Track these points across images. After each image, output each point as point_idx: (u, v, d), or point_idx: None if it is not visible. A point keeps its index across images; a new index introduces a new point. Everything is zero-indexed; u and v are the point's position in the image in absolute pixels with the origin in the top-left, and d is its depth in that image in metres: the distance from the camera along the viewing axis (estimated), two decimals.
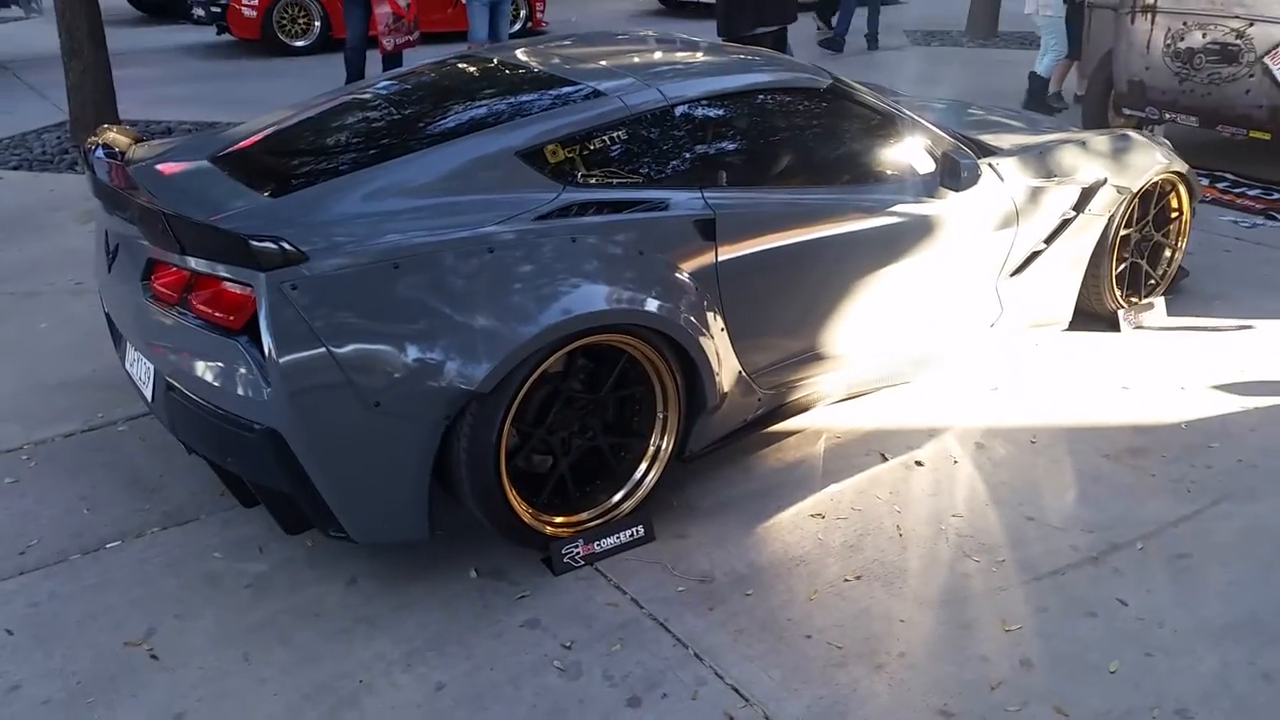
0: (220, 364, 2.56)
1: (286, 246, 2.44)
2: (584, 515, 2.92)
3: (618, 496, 2.97)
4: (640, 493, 2.99)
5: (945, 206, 3.54)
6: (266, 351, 2.43)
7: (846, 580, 2.81)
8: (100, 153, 3.00)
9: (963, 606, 2.72)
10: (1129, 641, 2.57)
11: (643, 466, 3.00)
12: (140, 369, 2.99)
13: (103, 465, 3.44)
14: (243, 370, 2.50)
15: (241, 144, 3.17)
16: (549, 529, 2.84)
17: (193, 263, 2.60)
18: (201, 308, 2.60)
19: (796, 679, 2.45)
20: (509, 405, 2.63)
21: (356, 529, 2.66)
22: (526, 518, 2.79)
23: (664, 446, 3.02)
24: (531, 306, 2.64)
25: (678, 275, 2.91)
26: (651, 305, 2.81)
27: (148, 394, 2.97)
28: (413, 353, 2.52)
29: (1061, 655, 2.52)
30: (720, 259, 3.02)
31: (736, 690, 2.41)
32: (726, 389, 3.11)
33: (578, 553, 2.87)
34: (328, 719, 2.35)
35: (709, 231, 3.00)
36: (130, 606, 2.74)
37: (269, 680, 2.47)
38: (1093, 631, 2.61)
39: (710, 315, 3.00)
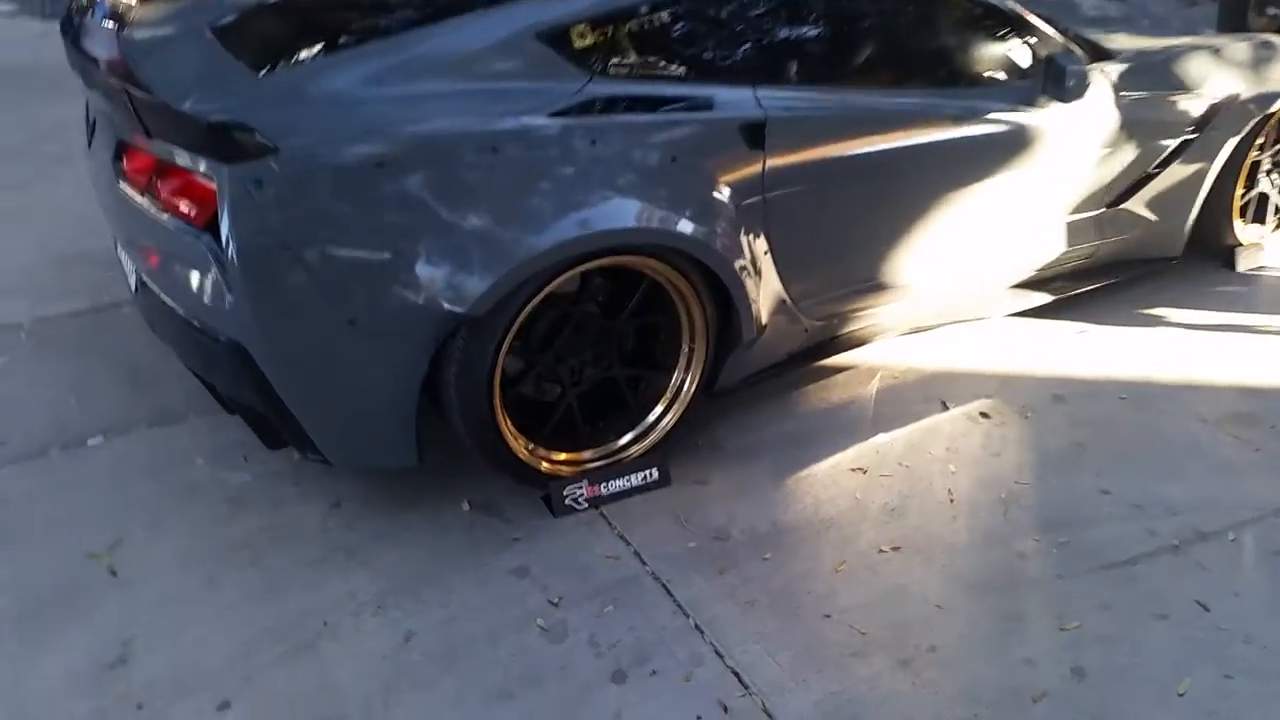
0: (186, 265, 2.27)
1: (253, 136, 2.10)
2: (587, 454, 2.62)
3: (626, 438, 2.65)
4: (653, 436, 2.66)
5: (1045, 118, 3.02)
6: (228, 256, 2.13)
7: (881, 551, 2.47)
8: (96, 13, 2.67)
9: (1012, 594, 2.36)
10: (1206, 656, 2.19)
11: (659, 408, 2.67)
12: (124, 256, 2.75)
13: (101, 351, 3.25)
14: (207, 274, 2.21)
15: (250, 11, 2.81)
16: (546, 466, 2.55)
17: (156, 148, 2.29)
18: (167, 199, 2.30)
19: (807, 667, 2.14)
20: (506, 330, 2.31)
21: (334, 454, 2.40)
22: (522, 454, 2.50)
23: (687, 384, 2.67)
24: (537, 219, 2.27)
25: (716, 189, 2.51)
26: (682, 225, 2.42)
27: (131, 283, 2.73)
28: (396, 267, 2.20)
29: (1122, 667, 2.16)
30: (769, 171, 2.60)
31: (737, 675, 2.12)
32: (766, 319, 2.73)
33: (581, 494, 2.57)
34: (283, 663, 2.14)
35: (757, 137, 2.56)
36: (100, 513, 2.55)
37: (229, 609, 2.27)
38: (1163, 640, 2.23)
39: (751, 237, 2.60)
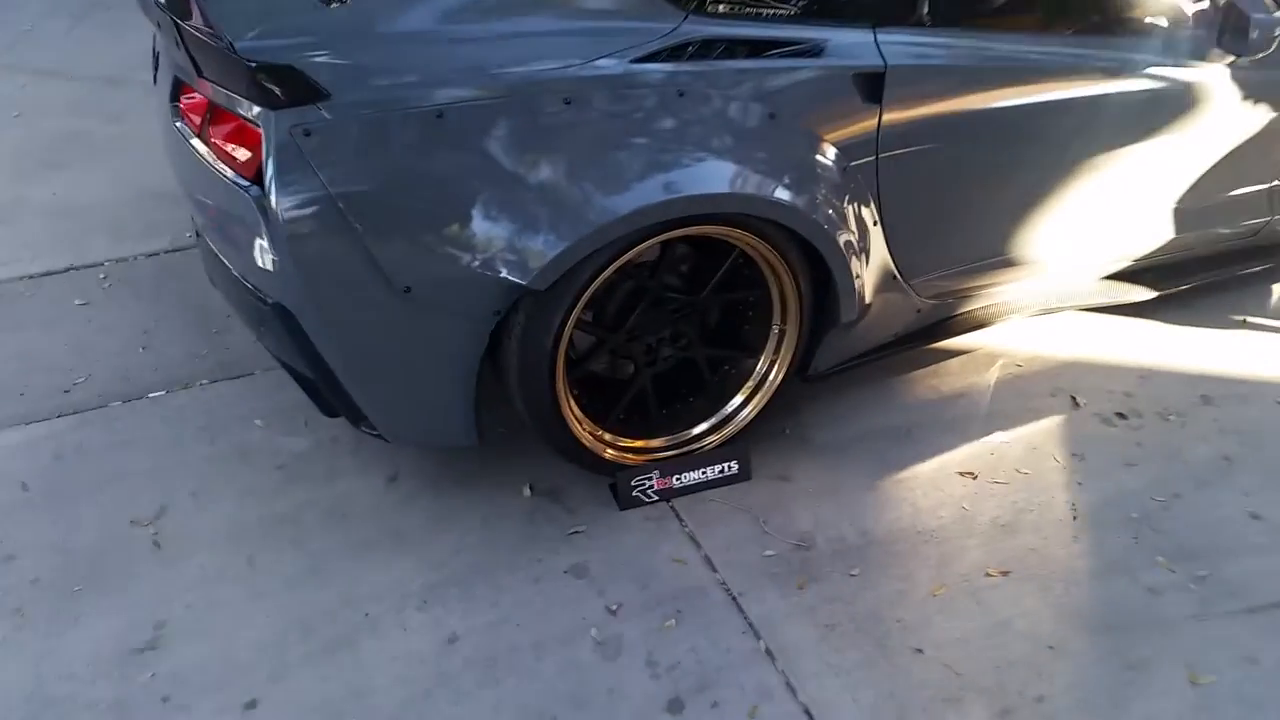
0: (235, 219, 2.08)
1: (303, 79, 1.88)
2: (657, 442, 2.37)
3: (702, 427, 2.40)
4: (730, 428, 2.40)
5: (1217, 75, 2.57)
6: (272, 212, 1.93)
7: (988, 574, 2.17)
8: None
9: (1138, 637, 2.03)
10: None
11: (739, 396, 2.40)
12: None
13: (175, 295, 3.15)
14: (254, 231, 2.01)
15: None
16: (611, 453, 2.32)
17: (209, 89, 2.10)
18: (219, 145, 2.11)
19: (891, 710, 1.88)
20: (573, 305, 2.06)
21: (388, 429, 2.22)
22: (586, 439, 2.27)
23: (774, 370, 2.39)
24: (610, 183, 2.00)
25: (820, 150, 2.19)
26: (779, 193, 2.11)
27: (192, 229, 2.59)
28: (453, 231, 1.96)
29: None
30: (885, 128, 2.25)
31: (809, 715, 1.87)
32: (871, 298, 2.42)
33: (651, 486, 2.34)
34: (317, 660, 1.99)
35: (874, 89, 2.22)
36: (150, 475, 2.45)
37: (267, 595, 2.13)
38: None
39: (858, 204, 2.27)
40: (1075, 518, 2.31)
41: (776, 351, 2.38)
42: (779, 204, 2.12)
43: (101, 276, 3.25)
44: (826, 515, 2.31)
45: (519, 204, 1.97)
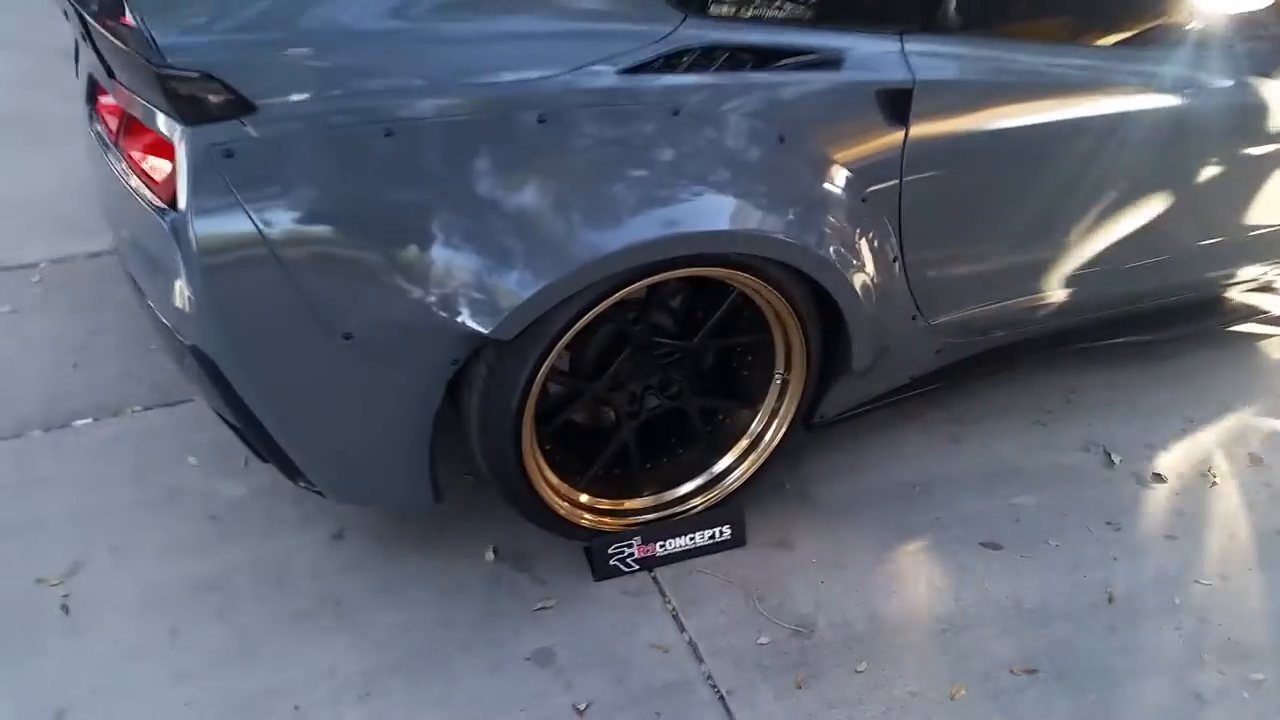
0: (149, 244, 1.78)
1: (222, 90, 1.57)
2: (638, 502, 2.09)
3: (688, 487, 2.11)
4: (718, 491, 2.12)
5: None
6: (186, 244, 1.63)
7: (1012, 673, 1.89)
8: None
9: None
10: None
11: (729, 456, 2.12)
12: None
13: (116, 303, 2.83)
14: (168, 262, 1.71)
15: None
16: (587, 520, 2.03)
17: (122, 94, 1.79)
18: (133, 157, 1.81)
19: None
20: (543, 356, 1.77)
21: (329, 489, 1.93)
22: (558, 506, 1.98)
23: (771, 428, 2.11)
24: (589, 218, 1.71)
25: (834, 176, 1.89)
26: (786, 229, 1.82)
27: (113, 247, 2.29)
28: (402, 271, 1.66)
29: None
30: (910, 151, 1.95)
31: None
32: (889, 342, 2.13)
33: (631, 554, 2.06)
34: None
35: (899, 108, 1.92)
36: (66, 522, 2.16)
37: (187, 678, 1.85)
38: None
39: (876, 239, 1.98)
40: (1111, 602, 2.04)
41: (779, 402, 2.09)
42: (786, 244, 1.82)
43: (35, 280, 2.95)
44: (830, 594, 2.03)
45: (481, 240, 1.67)
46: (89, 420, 2.44)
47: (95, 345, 2.69)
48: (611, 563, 2.04)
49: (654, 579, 2.06)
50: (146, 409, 2.48)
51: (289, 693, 1.82)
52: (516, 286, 1.67)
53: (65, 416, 2.44)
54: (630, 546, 2.05)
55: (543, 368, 1.77)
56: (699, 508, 2.10)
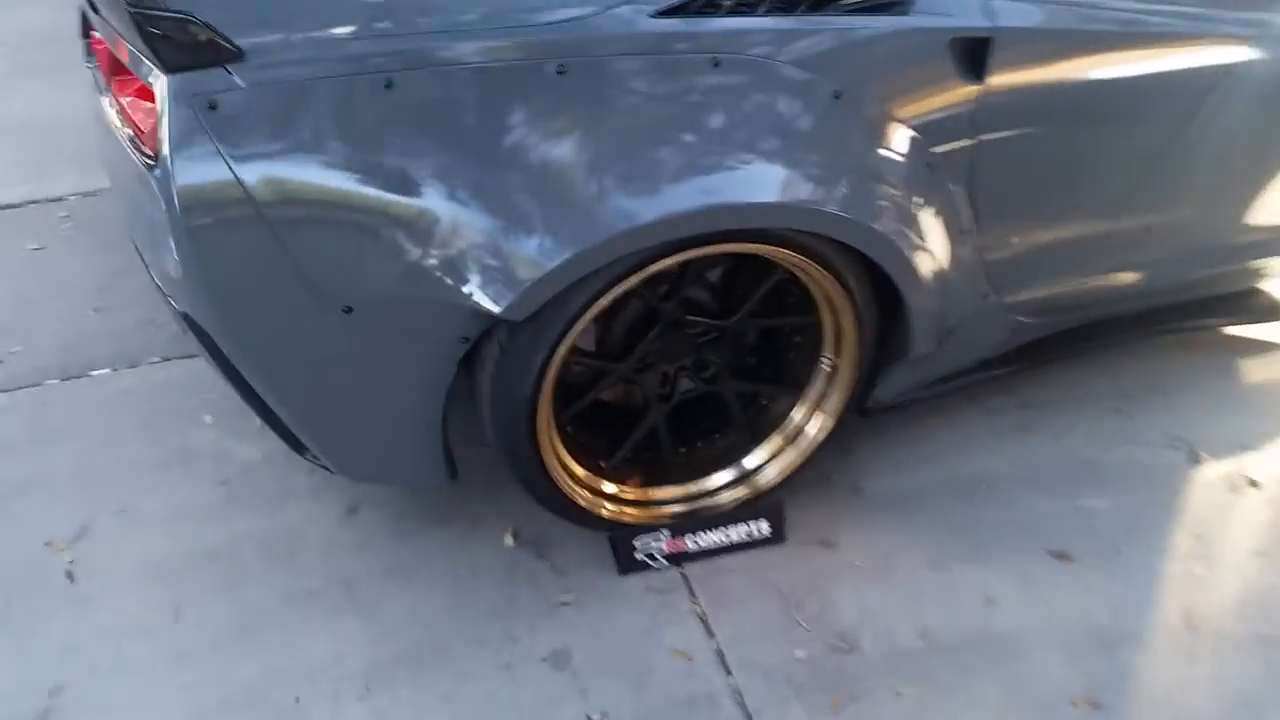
0: (139, 197, 1.64)
1: (205, 33, 1.40)
2: (665, 492, 1.92)
3: (717, 480, 1.94)
4: (747, 489, 1.94)
5: None
6: (170, 204, 1.48)
7: (1074, 705, 1.70)
8: None
9: None
10: None
11: (762, 452, 1.93)
12: None
13: None
14: (156, 219, 1.56)
15: None
16: (609, 510, 1.87)
17: (104, 32, 1.64)
18: (121, 102, 1.66)
19: None
20: (561, 337, 1.59)
21: (336, 465, 1.80)
22: (579, 497, 1.83)
23: (813, 421, 1.91)
24: (615, 185, 1.50)
25: (898, 137, 1.65)
26: (843, 201, 1.60)
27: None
28: (405, 240, 1.49)
29: None
30: (986, 107, 1.70)
31: None
32: (954, 322, 1.91)
33: (659, 548, 1.90)
34: None
35: (976, 60, 1.67)
36: (76, 481, 2.08)
37: (186, 659, 1.76)
38: None
39: (945, 208, 1.75)
40: (1189, 629, 1.83)
41: (825, 390, 1.90)
42: (841, 219, 1.60)
43: (63, 215, 2.86)
44: (876, 603, 1.85)
45: (491, 210, 1.48)
46: (106, 370, 2.35)
47: (118, 288, 2.59)
48: (638, 556, 1.89)
49: (683, 575, 1.91)
50: (165, 360, 2.38)
51: (290, 681, 1.72)
52: (529, 263, 1.48)
53: (83, 365, 2.36)
54: (658, 540, 1.89)
55: (560, 350, 1.60)
56: (731, 503, 1.93)
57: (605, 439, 1.90)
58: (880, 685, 1.72)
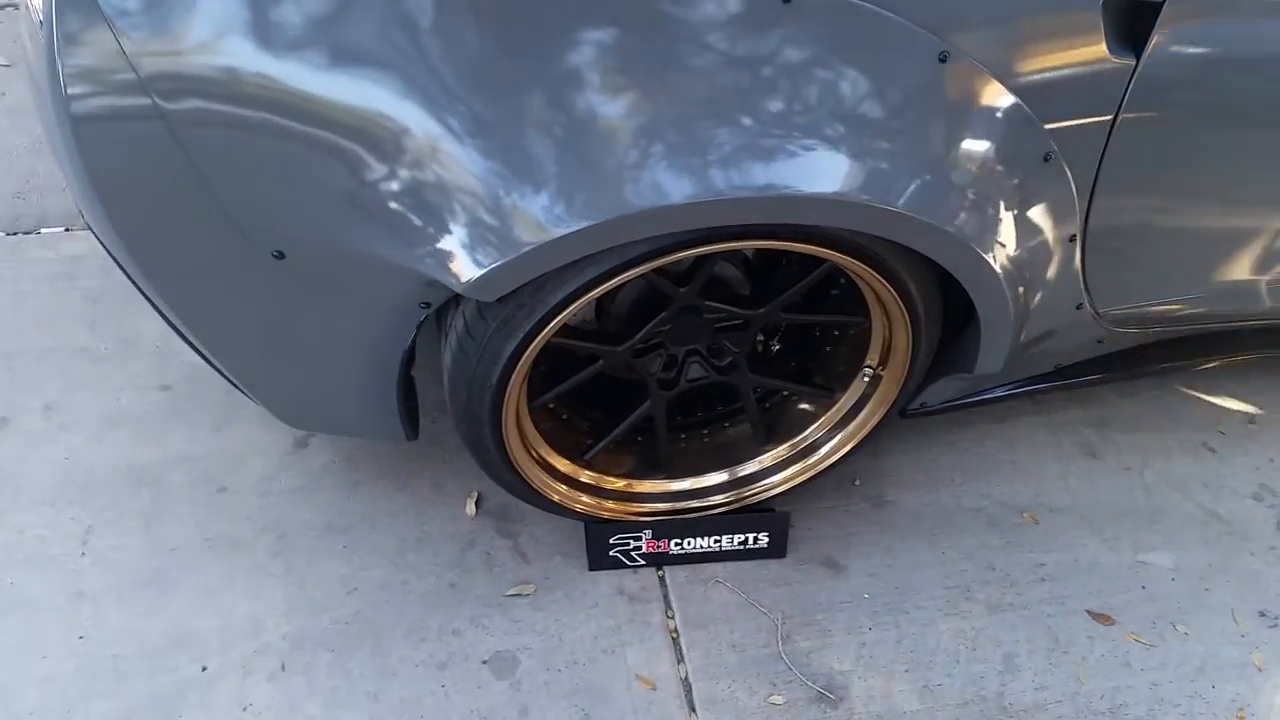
0: (36, 64, 1.32)
1: None
2: (649, 485, 1.64)
3: (712, 479, 1.65)
4: (749, 495, 1.65)
5: None
6: (58, 95, 1.15)
7: None
8: None
9: None
10: None
11: (767, 453, 1.63)
12: None
13: None
14: (47, 109, 1.25)
15: None
16: (584, 504, 1.60)
17: None
18: None
19: None
20: (540, 325, 1.28)
21: (277, 411, 1.54)
22: (552, 492, 1.55)
23: (830, 444, 1.61)
24: (615, 156, 1.14)
25: (1012, 121, 1.27)
26: (927, 202, 1.23)
27: None
28: (353, 175, 1.16)
29: None
30: (1140, 86, 1.30)
31: None
32: (1034, 336, 1.57)
33: (638, 547, 1.64)
34: None
35: (1138, 23, 1.26)
36: (3, 363, 1.84)
37: (84, 602, 1.55)
38: None
39: (1052, 213, 1.38)
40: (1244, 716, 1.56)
41: (857, 401, 1.58)
42: (922, 224, 1.24)
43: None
44: (877, 647, 1.59)
45: (480, 149, 1.14)
46: (59, 230, 2.08)
47: None
48: (612, 553, 1.64)
49: (660, 579, 1.65)
50: None
51: (200, 647, 1.52)
52: (516, 232, 1.15)
53: (35, 220, 2.09)
54: (638, 538, 1.63)
55: (539, 339, 1.29)
56: (719, 506, 1.64)
57: (589, 419, 1.61)
58: None
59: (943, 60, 1.21)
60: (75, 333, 1.91)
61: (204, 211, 1.19)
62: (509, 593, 1.62)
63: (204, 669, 1.50)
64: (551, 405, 1.56)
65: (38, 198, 2.13)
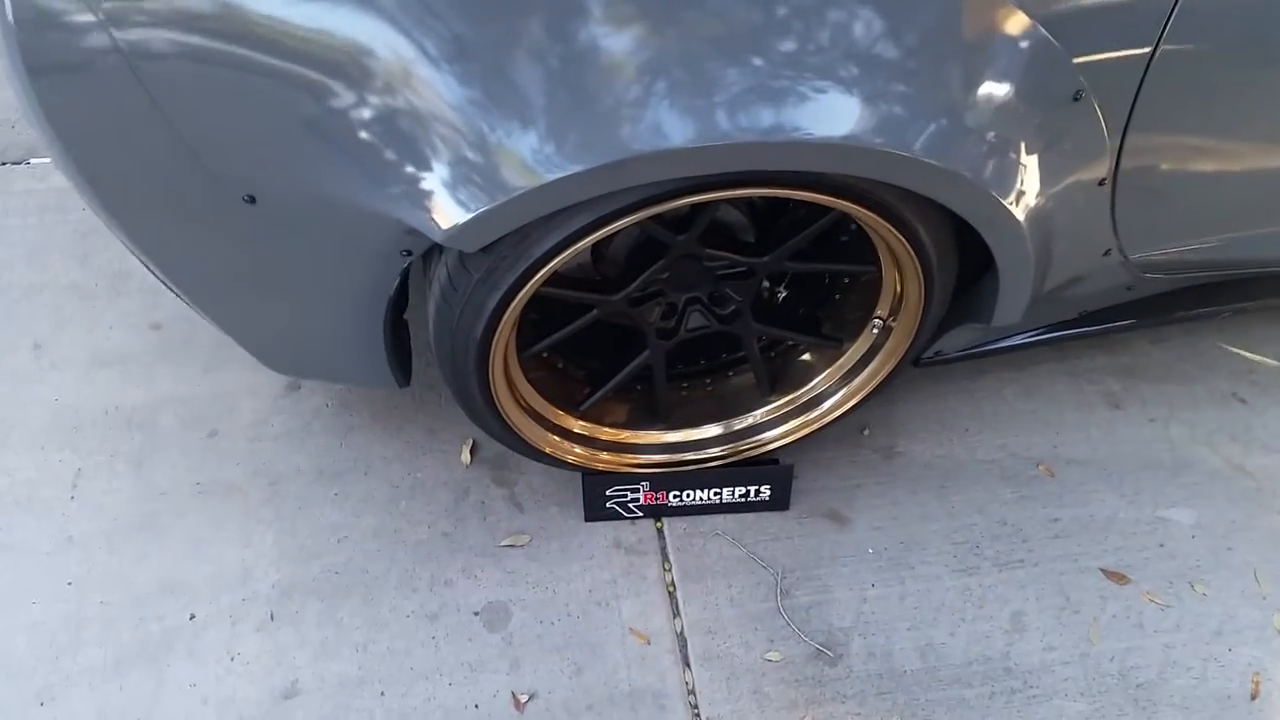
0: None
1: None
2: (645, 437, 1.58)
3: (709, 431, 1.58)
4: (746, 449, 1.58)
5: None
6: (13, 54, 1.08)
7: None
8: None
9: None
10: None
11: (763, 408, 1.56)
12: None
13: None
14: (11, 70, 1.17)
15: None
16: (577, 455, 1.54)
17: None
18: None
19: None
20: (525, 276, 1.20)
21: (258, 354, 1.49)
22: (542, 442, 1.50)
23: (834, 398, 1.53)
24: (606, 95, 1.05)
25: (1035, 56, 1.16)
26: (945, 146, 1.14)
27: None
28: (318, 119, 1.08)
29: None
30: (1186, 13, 1.19)
31: None
32: (1058, 283, 1.49)
33: (635, 498, 1.59)
34: (102, 676, 1.43)
35: None
36: (22, 299, 1.81)
37: (73, 546, 1.54)
38: None
39: (1079, 156, 1.28)
40: (1254, 697, 1.50)
41: (865, 354, 1.50)
42: (937, 170, 1.15)
43: None
44: (879, 604, 1.54)
45: (461, 81, 1.06)
46: (48, 160, 2.01)
47: None
48: (609, 504, 1.59)
49: (658, 531, 1.61)
50: None
51: (189, 595, 1.50)
52: (482, 185, 1.07)
53: (23, 149, 2.02)
54: (636, 489, 1.58)
55: (525, 290, 1.22)
56: (713, 457, 1.58)
57: (586, 368, 1.55)
58: (861, 712, 1.44)
59: None
60: (66, 268, 1.86)
61: (171, 154, 1.12)
62: (503, 543, 1.58)
63: (192, 617, 1.48)
64: (545, 354, 1.50)
65: (25, 126, 2.06)
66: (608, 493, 1.57)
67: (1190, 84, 1.27)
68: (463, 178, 1.08)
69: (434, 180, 1.09)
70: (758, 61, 1.06)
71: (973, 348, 1.67)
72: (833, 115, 1.08)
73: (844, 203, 1.18)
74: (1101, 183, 1.35)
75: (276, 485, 1.62)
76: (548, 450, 1.49)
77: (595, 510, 1.59)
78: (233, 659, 1.44)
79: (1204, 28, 1.21)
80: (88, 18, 1.02)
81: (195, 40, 1.04)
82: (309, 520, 1.58)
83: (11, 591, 1.49)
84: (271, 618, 1.49)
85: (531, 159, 1.06)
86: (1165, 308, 1.75)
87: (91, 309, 1.81)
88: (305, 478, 1.63)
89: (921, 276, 1.32)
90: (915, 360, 1.64)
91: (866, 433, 1.74)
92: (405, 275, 1.28)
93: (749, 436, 1.56)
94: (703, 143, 1.06)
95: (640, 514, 1.60)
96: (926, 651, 1.50)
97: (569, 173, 1.06)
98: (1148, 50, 1.22)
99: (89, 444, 1.65)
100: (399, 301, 1.35)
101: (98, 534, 1.55)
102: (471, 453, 1.68)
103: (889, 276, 1.39)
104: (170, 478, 1.62)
